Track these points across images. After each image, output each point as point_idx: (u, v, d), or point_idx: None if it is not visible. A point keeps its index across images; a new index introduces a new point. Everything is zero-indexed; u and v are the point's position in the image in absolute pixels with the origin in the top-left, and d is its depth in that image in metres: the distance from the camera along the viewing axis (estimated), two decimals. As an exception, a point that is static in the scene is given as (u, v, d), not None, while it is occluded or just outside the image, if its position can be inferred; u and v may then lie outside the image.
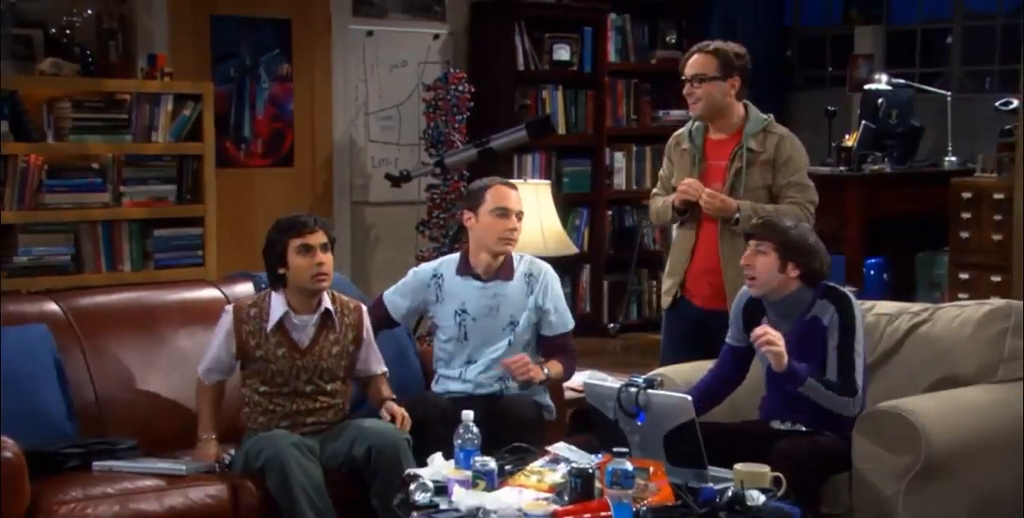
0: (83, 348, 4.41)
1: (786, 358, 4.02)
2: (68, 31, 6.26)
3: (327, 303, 4.29)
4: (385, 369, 4.48)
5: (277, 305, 4.25)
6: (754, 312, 4.30)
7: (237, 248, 6.50)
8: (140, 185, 6.07)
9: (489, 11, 7.84)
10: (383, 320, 4.71)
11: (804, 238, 4.21)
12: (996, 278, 6.88)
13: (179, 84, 6.24)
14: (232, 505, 4.04)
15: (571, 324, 4.73)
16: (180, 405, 4.51)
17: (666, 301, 5.04)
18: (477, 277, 4.65)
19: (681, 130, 5.00)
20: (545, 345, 4.68)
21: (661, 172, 5.12)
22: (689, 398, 3.78)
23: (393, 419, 4.26)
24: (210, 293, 4.86)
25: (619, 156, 8.23)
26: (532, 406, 4.53)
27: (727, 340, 4.43)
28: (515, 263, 4.70)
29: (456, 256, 4.75)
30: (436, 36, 7.82)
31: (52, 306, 4.50)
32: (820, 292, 4.20)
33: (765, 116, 4.89)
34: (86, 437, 4.21)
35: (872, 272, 7.29)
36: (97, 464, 4.03)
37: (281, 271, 4.23)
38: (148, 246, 6.11)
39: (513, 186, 4.73)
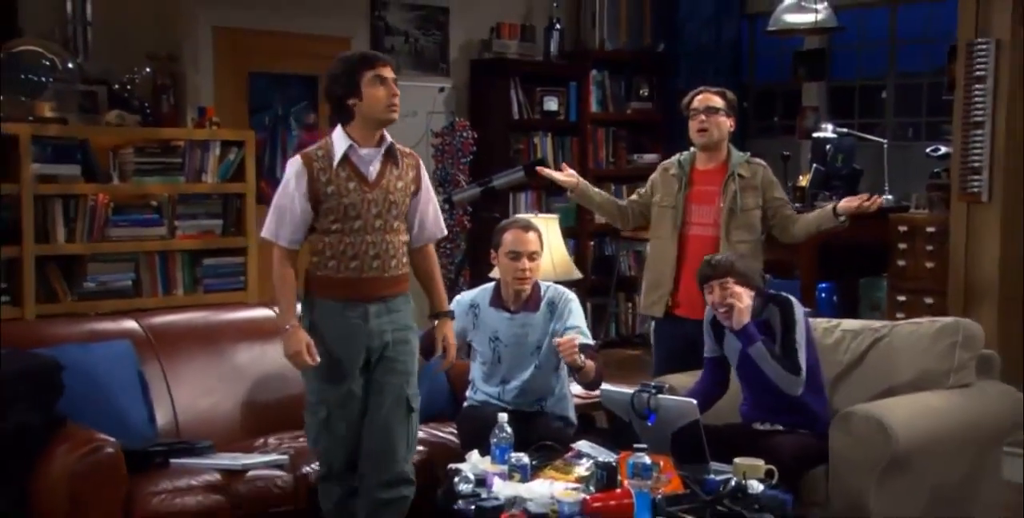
0: (160, 361, 4.49)
1: (747, 317, 4.15)
2: (128, 86, 6.27)
3: (389, 138, 3.96)
4: (444, 232, 4.20)
5: (340, 140, 3.89)
6: (720, 324, 4.39)
7: (271, 274, 6.52)
8: (191, 220, 6.12)
9: (487, 68, 7.89)
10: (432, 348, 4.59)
11: (747, 264, 4.36)
12: (929, 300, 6.88)
13: (225, 132, 6.29)
14: (294, 494, 4.11)
15: (592, 342, 4.62)
16: (243, 409, 4.61)
17: (657, 310, 5.03)
18: (507, 309, 4.62)
19: (671, 159, 5.12)
20: None
21: (639, 190, 5.21)
22: (694, 401, 3.87)
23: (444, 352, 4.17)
24: (263, 313, 4.96)
25: (596, 188, 8.29)
26: (559, 421, 4.56)
27: (706, 354, 4.50)
28: (541, 293, 4.64)
29: (491, 287, 4.71)
30: (441, 89, 7.85)
31: (133, 324, 4.59)
32: (766, 300, 4.33)
33: (744, 152, 5.06)
34: (164, 439, 4.27)
35: (823, 295, 7.31)
36: (174, 461, 4.07)
37: (352, 102, 3.84)
38: (198, 273, 6.16)
39: (528, 228, 4.63)
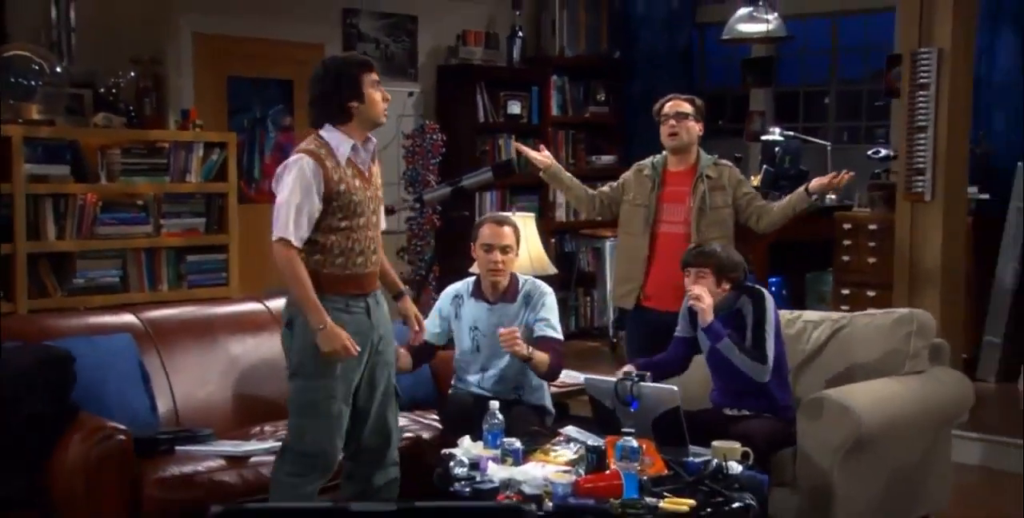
0: (159, 353, 4.48)
1: (711, 315, 4.23)
2: (114, 90, 6.25)
3: (373, 137, 3.94)
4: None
5: (342, 140, 3.82)
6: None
7: (252, 270, 6.56)
8: (176, 218, 6.11)
9: (454, 73, 7.92)
10: (425, 355, 4.69)
11: (731, 257, 4.43)
12: (871, 293, 7.01)
13: (208, 134, 6.28)
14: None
15: (560, 336, 4.63)
16: (238, 398, 4.61)
17: (628, 302, 5.11)
18: (486, 300, 4.66)
19: (644, 161, 5.20)
20: (537, 346, 4.59)
21: (611, 184, 5.28)
22: (675, 388, 3.93)
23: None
24: (254, 306, 4.98)
25: (560, 193, 8.32)
26: (536, 410, 4.63)
27: (677, 332, 4.58)
28: (519, 286, 4.67)
29: (473, 279, 4.75)
30: (411, 94, 7.86)
31: (132, 318, 4.58)
32: (741, 291, 4.41)
33: (712, 154, 5.15)
34: (167, 427, 4.28)
35: (773, 288, 7.39)
36: (179, 448, 4.09)
37: (353, 104, 3.79)
38: (182, 269, 6.15)
39: (503, 223, 4.67)
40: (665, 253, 4.96)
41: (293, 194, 3.72)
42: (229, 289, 6.29)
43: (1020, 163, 6.95)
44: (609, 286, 7.29)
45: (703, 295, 4.29)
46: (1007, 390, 6.68)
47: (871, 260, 7.07)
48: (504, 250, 4.60)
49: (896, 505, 4.42)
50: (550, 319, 4.62)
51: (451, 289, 4.81)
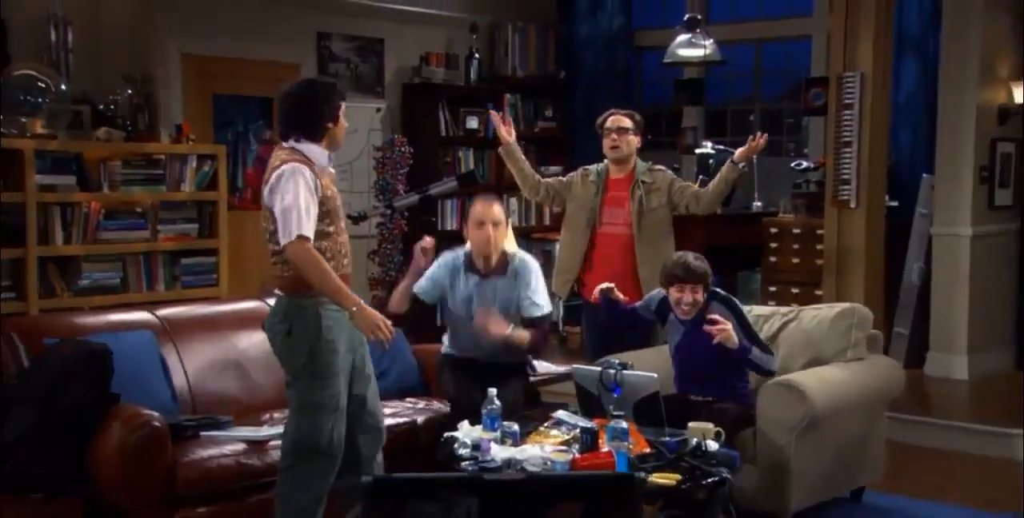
0: (176, 347, 4.52)
1: (736, 339, 4.31)
2: (112, 106, 6.24)
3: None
4: None
5: (320, 152, 3.79)
6: (665, 310, 4.60)
7: (239, 271, 6.56)
8: (171, 224, 6.13)
9: (418, 91, 7.93)
10: (414, 303, 4.62)
11: (706, 267, 4.53)
12: (796, 290, 7.17)
13: (200, 147, 6.30)
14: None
15: (546, 310, 4.65)
16: (248, 388, 4.65)
17: (563, 291, 5.35)
18: (478, 273, 4.67)
19: (590, 167, 5.40)
20: (524, 325, 4.64)
21: (560, 178, 5.53)
22: (655, 375, 4.03)
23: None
24: (257, 304, 4.97)
25: (513, 201, 8.35)
26: (520, 365, 4.78)
27: (638, 308, 4.70)
28: (509, 260, 4.66)
29: (466, 253, 4.71)
30: (378, 109, 7.87)
31: (150, 316, 4.61)
32: (711, 296, 4.53)
33: (647, 162, 5.34)
34: (186, 415, 4.30)
35: None
36: (204, 433, 4.12)
37: (329, 125, 3.80)
38: (176, 271, 6.16)
39: (493, 201, 4.67)
40: (605, 250, 5.22)
41: (300, 197, 3.64)
42: (219, 289, 6.31)
43: (924, 175, 7.19)
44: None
45: (728, 329, 4.29)
46: (915, 375, 6.90)
47: (795, 260, 7.23)
48: (495, 225, 4.60)
49: (840, 478, 4.59)
50: (535, 298, 4.63)
51: (448, 258, 4.75)
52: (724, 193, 5.32)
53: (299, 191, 3.66)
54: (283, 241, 3.66)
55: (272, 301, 4.89)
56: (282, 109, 3.85)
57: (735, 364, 4.46)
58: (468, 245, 4.75)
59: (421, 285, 4.67)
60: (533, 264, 4.73)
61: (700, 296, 4.45)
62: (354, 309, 3.67)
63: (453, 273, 4.71)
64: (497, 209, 4.66)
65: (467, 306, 4.66)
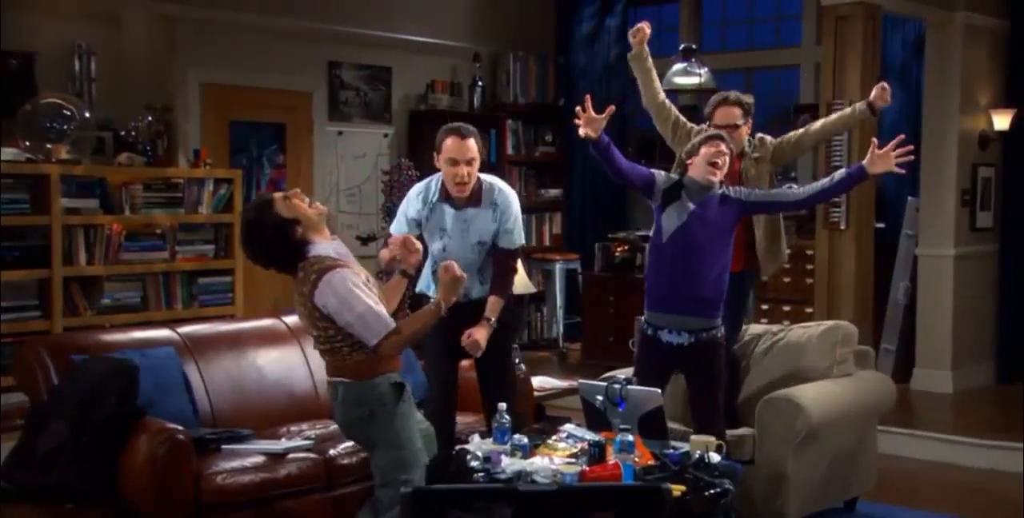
0: (197, 364, 4.51)
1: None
2: (133, 133, 6.29)
3: None
4: None
5: (328, 247, 3.60)
6: (677, 192, 4.33)
7: (253, 290, 6.59)
8: (189, 245, 6.15)
9: (424, 117, 7.96)
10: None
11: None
12: (787, 308, 7.25)
13: (217, 171, 6.33)
14: (325, 472, 4.20)
15: (519, 242, 4.35)
16: (266, 402, 4.63)
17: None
18: (453, 204, 4.29)
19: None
20: (494, 258, 4.33)
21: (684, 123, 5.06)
22: (658, 391, 4.05)
23: None
24: (273, 322, 5.01)
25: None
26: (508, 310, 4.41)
27: (631, 166, 4.32)
28: (483, 189, 4.26)
29: (439, 182, 4.30)
30: (386, 135, 7.93)
31: (171, 334, 4.60)
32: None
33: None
34: (207, 428, 4.30)
35: None
36: (225, 446, 4.13)
37: (295, 236, 3.60)
38: (194, 290, 6.18)
39: (467, 135, 4.17)
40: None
41: (362, 300, 3.48)
42: (235, 308, 6.32)
43: (909, 197, 7.24)
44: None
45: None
46: (901, 389, 6.93)
47: (786, 280, 7.28)
48: (469, 162, 4.16)
49: (835, 488, 4.61)
50: (512, 231, 4.32)
51: (418, 188, 4.37)
52: (837, 133, 4.90)
53: (358, 295, 3.48)
54: (373, 342, 3.52)
55: (288, 318, 4.95)
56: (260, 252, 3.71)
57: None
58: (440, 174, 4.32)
59: (397, 227, 4.38)
60: (511, 195, 4.33)
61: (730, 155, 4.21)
62: (442, 305, 3.63)
63: (428, 204, 4.33)
64: (472, 144, 4.17)
65: (441, 236, 4.32)
